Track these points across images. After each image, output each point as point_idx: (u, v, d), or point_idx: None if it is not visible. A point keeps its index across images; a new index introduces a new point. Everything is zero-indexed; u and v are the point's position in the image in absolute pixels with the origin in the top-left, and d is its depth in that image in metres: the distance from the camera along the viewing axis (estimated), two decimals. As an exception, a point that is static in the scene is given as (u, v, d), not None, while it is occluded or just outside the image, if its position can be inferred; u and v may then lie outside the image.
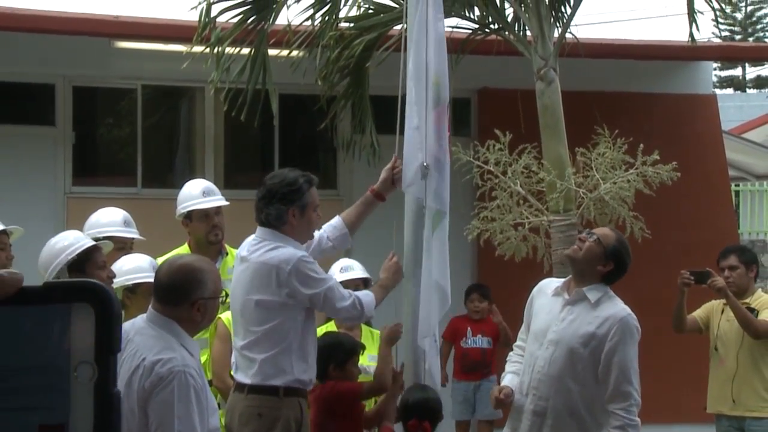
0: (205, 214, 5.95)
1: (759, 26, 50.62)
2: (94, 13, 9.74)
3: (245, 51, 8.37)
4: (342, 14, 8.79)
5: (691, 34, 8.55)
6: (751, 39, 48.54)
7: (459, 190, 8.81)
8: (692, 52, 10.93)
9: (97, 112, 10.44)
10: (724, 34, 46.68)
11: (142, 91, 9.90)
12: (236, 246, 5.05)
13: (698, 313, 7.05)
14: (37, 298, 1.66)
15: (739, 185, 19.74)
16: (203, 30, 7.93)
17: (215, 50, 8.07)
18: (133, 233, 5.98)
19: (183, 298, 3.67)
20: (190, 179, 6.70)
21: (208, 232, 5.91)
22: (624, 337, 4.69)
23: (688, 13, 8.60)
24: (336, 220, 5.16)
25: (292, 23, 8.56)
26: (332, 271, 5.74)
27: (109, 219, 5.93)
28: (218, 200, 6.07)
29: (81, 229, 5.76)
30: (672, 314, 6.93)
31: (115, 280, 5.01)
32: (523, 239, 7.56)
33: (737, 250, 7.12)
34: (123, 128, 10.41)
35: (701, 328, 7.01)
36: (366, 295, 4.77)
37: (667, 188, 7.59)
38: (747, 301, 6.74)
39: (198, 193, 6.02)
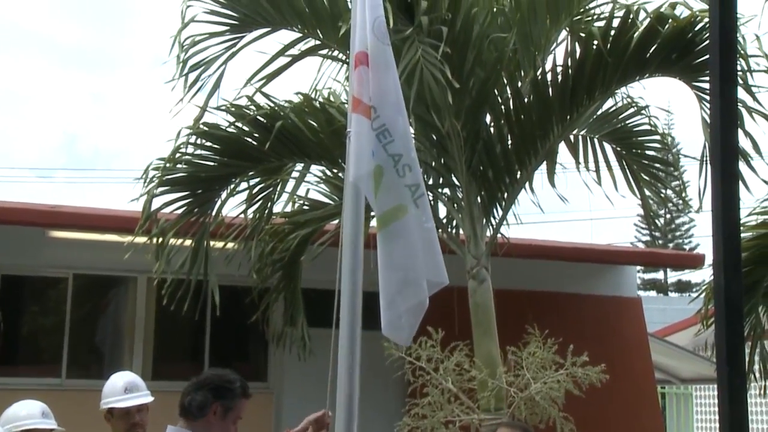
0: (126, 412, 5.76)
1: (678, 233, 52.73)
2: (31, 202, 9.77)
3: (184, 243, 8.41)
4: (278, 209, 8.97)
5: (651, 232, 8.96)
6: (671, 245, 50.43)
7: (390, 387, 8.81)
8: (616, 257, 11.33)
9: (25, 301, 10.28)
10: (645, 239, 48.46)
11: (73, 281, 9.81)
12: (162, 439, 4.89)
13: None
14: None
15: (665, 388, 19.94)
16: (145, 222, 7.99)
17: (158, 241, 8.11)
18: (52, 424, 5.77)
19: None
20: (117, 370, 6.55)
21: (128, 431, 5.70)
22: None
23: (646, 218, 9.04)
24: None
25: (227, 216, 8.70)
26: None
27: (28, 412, 5.73)
28: (140, 397, 5.87)
29: (-3, 423, 5.56)
30: None
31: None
32: (455, 437, 7.47)
33: None
34: (50, 317, 10.23)
35: None
36: None
37: (596, 389, 7.64)
38: None
39: (120, 389, 5.83)
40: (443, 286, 4.60)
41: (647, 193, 9.14)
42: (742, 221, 5.21)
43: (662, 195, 9.39)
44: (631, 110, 8.76)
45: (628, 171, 9.02)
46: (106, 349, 10.33)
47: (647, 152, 8.99)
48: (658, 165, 9.08)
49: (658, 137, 8.98)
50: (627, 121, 8.85)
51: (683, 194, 9.79)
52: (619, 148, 9.00)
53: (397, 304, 4.54)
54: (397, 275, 4.58)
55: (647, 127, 8.88)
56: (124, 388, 5.83)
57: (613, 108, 8.74)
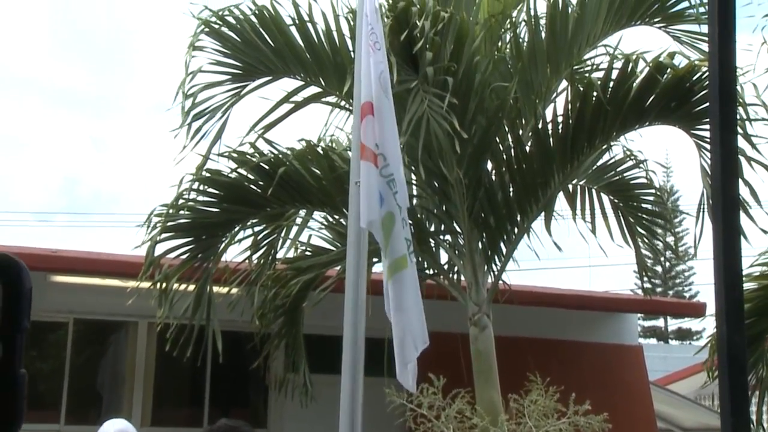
0: None
1: (678, 280, 52.59)
2: (32, 246, 9.79)
3: (187, 288, 8.41)
4: (280, 255, 8.99)
5: (643, 288, 9.06)
6: (671, 292, 50.29)
7: (392, 434, 8.75)
8: (616, 304, 11.32)
9: (25, 345, 10.23)
10: (646, 286, 48.26)
11: (73, 326, 9.80)
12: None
13: None
14: None
15: (667, 436, 19.75)
16: (149, 268, 7.99)
17: (161, 287, 8.10)
18: None
19: None
20: (116, 416, 6.52)
21: None
22: None
23: (639, 269, 9.14)
24: None
25: (231, 262, 8.71)
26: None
27: None
28: None
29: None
30: None
31: None
32: (456, 487, 7.40)
33: None
34: (49, 362, 10.19)
35: None
36: None
37: (598, 437, 7.59)
38: None
39: None
40: (426, 346, 4.70)
41: (642, 244, 9.21)
42: (744, 272, 5.22)
43: (657, 247, 9.44)
44: (629, 163, 8.83)
45: (623, 222, 9.08)
46: (106, 395, 10.28)
47: (643, 205, 9.07)
48: (653, 218, 9.15)
49: (653, 191, 9.05)
50: (624, 174, 8.93)
51: (676, 247, 9.86)
52: (616, 200, 9.07)
53: (408, 348, 4.62)
54: (406, 317, 4.67)
55: (644, 180, 8.95)
56: None
57: (612, 160, 8.82)
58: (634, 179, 8.96)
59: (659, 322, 52.26)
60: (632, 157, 8.77)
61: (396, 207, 4.88)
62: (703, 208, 7.80)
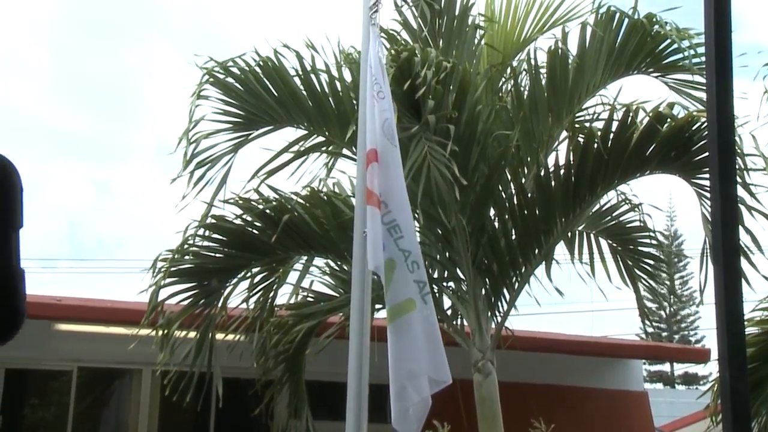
0: None
1: (683, 325, 52.40)
2: (37, 294, 9.79)
3: (189, 334, 8.43)
4: (282, 300, 9.02)
5: (645, 331, 9.08)
6: (676, 336, 50.08)
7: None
8: (620, 350, 11.28)
9: (28, 394, 10.23)
10: (651, 330, 48.10)
11: (77, 373, 9.80)
12: None
13: None
14: None
15: (673, 484, 19.55)
16: (151, 313, 8.03)
17: (163, 333, 8.12)
18: None
19: None
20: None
21: None
22: None
23: (640, 313, 9.16)
24: None
25: (233, 308, 8.73)
26: None
27: None
28: None
29: None
30: None
31: None
32: None
33: None
34: (53, 410, 10.18)
35: None
36: None
37: (604, 485, 7.57)
38: None
39: None
40: (446, 384, 4.68)
41: (641, 288, 9.26)
42: (746, 317, 5.24)
43: (658, 290, 9.48)
44: (626, 207, 8.92)
45: (623, 266, 9.15)
46: (110, 443, 10.26)
47: (640, 248, 9.15)
48: (651, 261, 9.22)
49: (650, 234, 9.12)
50: (621, 218, 9.01)
51: (673, 290, 9.95)
52: (614, 244, 9.13)
53: (407, 396, 4.62)
54: (406, 367, 4.66)
55: (640, 224, 9.03)
56: None
57: (609, 205, 8.89)
58: (630, 223, 9.04)
59: (665, 367, 51.98)
60: (627, 202, 8.86)
61: (398, 252, 4.92)
62: (707, 255, 7.83)
